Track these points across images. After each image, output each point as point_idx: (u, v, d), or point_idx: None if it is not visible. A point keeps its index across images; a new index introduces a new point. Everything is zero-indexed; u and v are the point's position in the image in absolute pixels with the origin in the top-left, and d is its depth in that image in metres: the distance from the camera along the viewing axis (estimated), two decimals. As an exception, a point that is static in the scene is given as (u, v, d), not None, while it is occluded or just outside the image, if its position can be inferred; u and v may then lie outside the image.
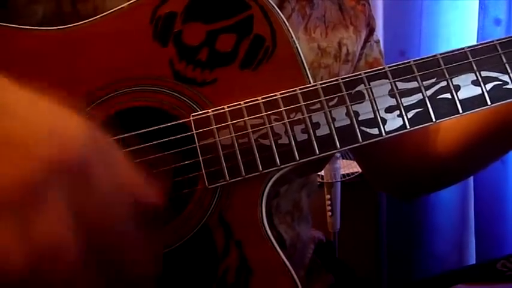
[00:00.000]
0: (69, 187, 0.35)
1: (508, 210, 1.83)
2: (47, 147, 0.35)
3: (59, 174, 0.35)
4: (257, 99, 0.54)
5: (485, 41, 0.57)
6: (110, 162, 0.38)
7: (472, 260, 1.89)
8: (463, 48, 0.57)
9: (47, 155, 0.35)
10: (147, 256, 0.40)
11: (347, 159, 1.71)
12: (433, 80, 0.56)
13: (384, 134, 0.55)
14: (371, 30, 0.80)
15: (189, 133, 0.54)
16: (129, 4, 0.56)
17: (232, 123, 0.54)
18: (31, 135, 0.35)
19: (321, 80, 0.56)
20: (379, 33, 1.79)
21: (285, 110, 0.54)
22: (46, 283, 0.34)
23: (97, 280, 0.37)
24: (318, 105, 0.54)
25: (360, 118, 0.55)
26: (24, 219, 0.33)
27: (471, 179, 1.82)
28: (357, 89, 0.55)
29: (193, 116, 0.54)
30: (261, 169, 0.53)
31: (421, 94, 0.55)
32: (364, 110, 0.55)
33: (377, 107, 0.55)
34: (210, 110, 0.54)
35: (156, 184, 0.41)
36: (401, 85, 0.55)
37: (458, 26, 1.83)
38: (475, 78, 0.56)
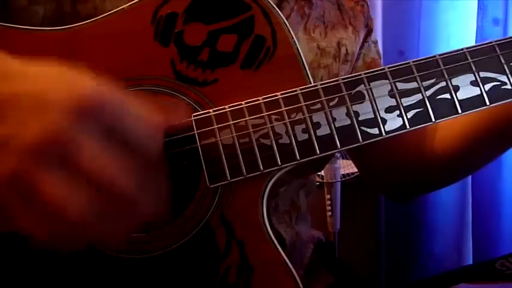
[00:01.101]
0: (94, 123, 0.38)
1: (504, 212, 1.83)
2: (63, 95, 0.38)
3: (81, 115, 0.38)
4: (258, 99, 0.55)
5: (484, 42, 0.58)
6: (124, 102, 0.41)
7: (470, 260, 1.90)
8: (462, 49, 0.57)
9: (64, 100, 0.37)
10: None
11: (347, 159, 1.71)
12: (433, 81, 0.56)
13: (384, 133, 0.55)
14: (369, 31, 0.80)
15: (190, 133, 0.54)
16: (130, 4, 0.57)
17: (233, 123, 0.54)
18: (45, 88, 0.38)
19: (321, 80, 0.56)
20: (378, 33, 1.79)
21: (285, 110, 0.55)
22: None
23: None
24: (319, 105, 0.55)
25: (360, 118, 0.55)
26: (67, 164, 0.37)
27: (469, 179, 1.83)
28: (357, 89, 0.56)
29: (194, 115, 0.54)
30: (262, 169, 0.54)
31: (420, 94, 0.56)
32: (365, 110, 0.55)
33: (377, 107, 0.55)
34: (211, 110, 0.55)
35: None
36: (401, 85, 0.56)
37: (457, 26, 1.83)
38: (474, 78, 0.56)
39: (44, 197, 0.37)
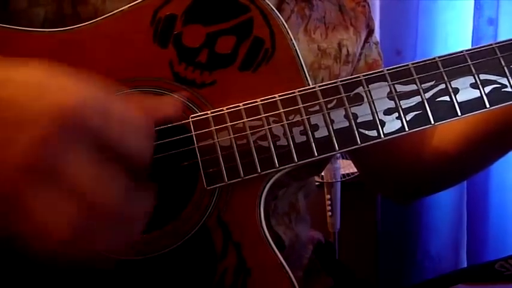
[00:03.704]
0: (79, 136, 0.37)
1: (491, 215, 1.83)
2: (45, 107, 0.37)
3: (65, 124, 0.36)
4: (256, 101, 0.55)
5: (484, 45, 0.57)
6: (109, 106, 0.40)
7: (470, 260, 1.90)
8: (461, 51, 0.57)
9: (47, 113, 0.36)
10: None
11: (347, 159, 1.70)
12: (432, 83, 0.56)
13: (382, 136, 0.55)
14: (370, 31, 0.80)
15: (188, 134, 0.54)
16: (130, 6, 0.56)
17: (231, 125, 0.54)
18: (27, 99, 0.37)
19: (322, 81, 0.56)
20: (376, 32, 1.78)
21: (283, 112, 0.54)
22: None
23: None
24: (317, 107, 0.55)
25: (358, 120, 0.55)
26: (56, 180, 0.36)
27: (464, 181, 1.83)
28: (355, 91, 0.55)
29: (192, 117, 0.54)
30: (259, 170, 0.54)
31: (419, 97, 0.55)
32: (363, 112, 0.55)
33: (376, 109, 0.55)
34: (209, 112, 0.54)
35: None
36: (400, 87, 0.56)
37: (455, 26, 1.83)
38: (473, 81, 0.56)
39: (34, 217, 0.36)
